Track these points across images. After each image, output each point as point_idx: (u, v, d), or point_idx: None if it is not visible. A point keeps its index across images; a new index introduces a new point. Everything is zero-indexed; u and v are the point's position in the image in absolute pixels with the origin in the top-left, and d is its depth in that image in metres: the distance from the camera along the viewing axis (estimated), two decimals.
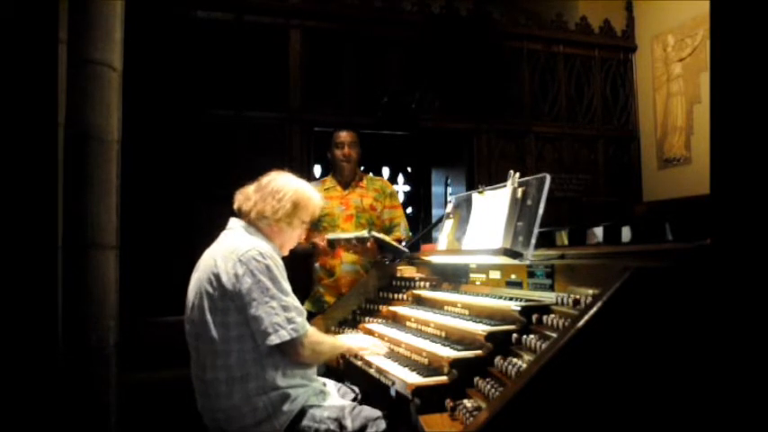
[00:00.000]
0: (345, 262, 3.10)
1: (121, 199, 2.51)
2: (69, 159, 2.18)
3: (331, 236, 2.92)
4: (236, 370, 1.83)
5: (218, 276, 1.85)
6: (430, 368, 1.78)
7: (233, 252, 1.87)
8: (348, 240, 2.86)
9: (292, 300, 1.88)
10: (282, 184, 2.05)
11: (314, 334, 1.94)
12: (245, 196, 2.05)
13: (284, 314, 1.82)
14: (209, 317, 1.85)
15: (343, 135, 3.22)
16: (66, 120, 2.15)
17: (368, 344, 2.13)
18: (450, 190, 5.88)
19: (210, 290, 1.86)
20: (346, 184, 3.23)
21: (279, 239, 2.06)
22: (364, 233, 2.88)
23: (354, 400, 2.16)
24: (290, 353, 1.85)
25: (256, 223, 2.02)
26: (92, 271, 2.33)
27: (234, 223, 2.05)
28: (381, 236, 2.91)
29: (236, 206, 2.06)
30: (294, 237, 2.12)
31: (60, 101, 2.07)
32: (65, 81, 2.13)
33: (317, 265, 3.19)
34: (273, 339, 1.79)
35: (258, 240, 1.95)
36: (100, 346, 2.34)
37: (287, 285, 1.89)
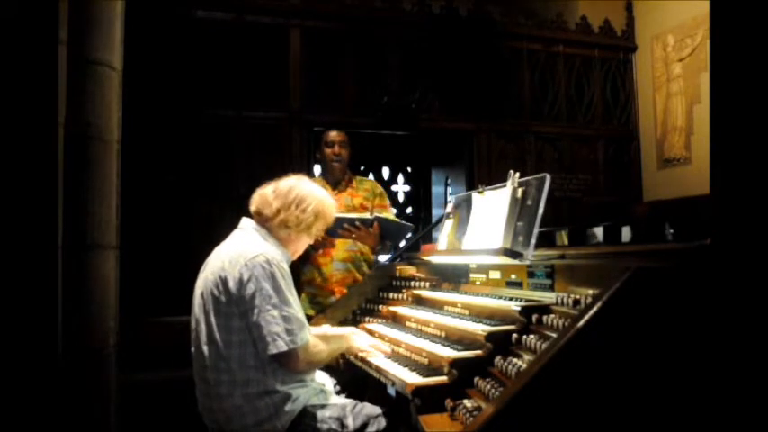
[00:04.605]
0: (336, 260, 3.09)
1: (121, 199, 2.51)
2: (69, 159, 2.18)
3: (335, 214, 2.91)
4: (238, 374, 1.83)
5: (225, 280, 1.84)
6: (430, 368, 1.77)
7: (241, 256, 1.85)
8: (350, 222, 2.84)
9: (294, 311, 1.85)
10: (306, 193, 2.02)
11: (313, 345, 1.90)
12: (265, 200, 2.00)
13: (284, 324, 1.80)
14: (213, 319, 1.85)
15: (333, 134, 3.23)
16: (67, 120, 2.15)
17: (368, 347, 2.10)
18: (450, 190, 5.89)
19: (217, 293, 1.85)
20: (336, 183, 3.22)
21: (293, 247, 2.06)
22: (366, 215, 2.86)
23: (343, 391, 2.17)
24: (286, 364, 1.84)
25: (276, 231, 1.99)
26: (92, 271, 2.32)
27: (246, 223, 2.03)
28: (385, 215, 2.88)
29: (253, 208, 2.02)
30: (306, 244, 2.12)
31: (60, 101, 2.07)
32: (65, 81, 2.13)
33: (306, 266, 3.13)
34: (271, 349, 1.78)
35: (269, 246, 1.93)
36: (100, 347, 2.34)
37: (291, 296, 1.86)
